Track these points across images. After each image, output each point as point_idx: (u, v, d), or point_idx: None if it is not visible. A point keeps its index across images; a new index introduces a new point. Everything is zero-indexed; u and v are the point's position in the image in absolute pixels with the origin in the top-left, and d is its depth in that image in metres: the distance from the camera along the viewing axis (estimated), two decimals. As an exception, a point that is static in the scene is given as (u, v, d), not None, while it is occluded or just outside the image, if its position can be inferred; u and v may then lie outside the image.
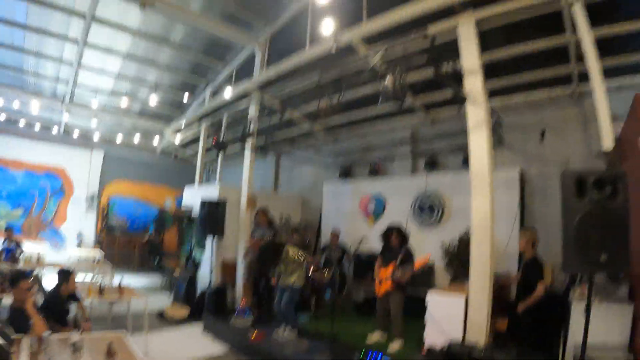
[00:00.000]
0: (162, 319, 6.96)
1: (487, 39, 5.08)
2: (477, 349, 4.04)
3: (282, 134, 8.94)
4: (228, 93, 7.37)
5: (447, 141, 7.23)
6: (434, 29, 5.06)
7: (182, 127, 10.14)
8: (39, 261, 7.35)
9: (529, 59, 5.71)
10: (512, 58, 5.72)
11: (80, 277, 6.24)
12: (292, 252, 5.46)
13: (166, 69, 9.32)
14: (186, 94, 8.31)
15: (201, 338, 6.05)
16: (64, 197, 12.07)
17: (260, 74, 7.53)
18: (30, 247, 8.20)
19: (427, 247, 6.62)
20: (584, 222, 2.70)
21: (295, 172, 10.41)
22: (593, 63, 4.09)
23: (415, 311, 5.09)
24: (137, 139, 11.53)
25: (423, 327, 4.88)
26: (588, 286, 2.90)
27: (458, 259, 6.19)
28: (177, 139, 10.92)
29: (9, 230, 7.97)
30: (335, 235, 7.29)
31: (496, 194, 6.22)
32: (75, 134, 11.44)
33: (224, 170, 9.10)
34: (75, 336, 2.99)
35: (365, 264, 7.13)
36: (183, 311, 7.14)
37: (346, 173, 8.78)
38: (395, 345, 5.10)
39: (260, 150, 7.75)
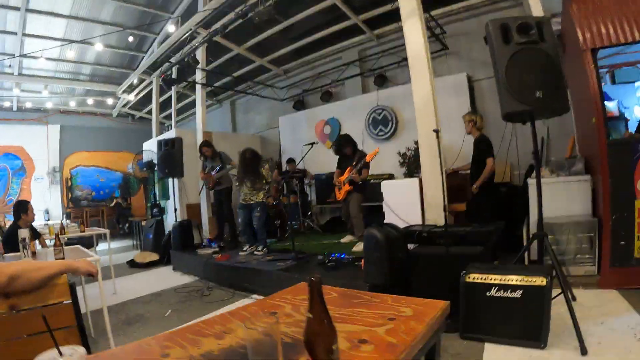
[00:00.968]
0: (133, 266, 6.95)
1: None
2: (436, 226, 4.03)
3: (234, 72, 8.85)
4: (171, 28, 7.21)
5: (394, 57, 7.28)
6: None
7: (135, 82, 9.92)
8: None
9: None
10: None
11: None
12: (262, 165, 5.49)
13: (111, 27, 9.02)
14: (130, 38, 8.05)
15: (171, 275, 6.08)
16: (25, 176, 11.75)
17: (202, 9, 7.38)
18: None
19: (385, 159, 6.74)
20: (513, 65, 2.74)
21: (252, 114, 10.43)
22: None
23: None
24: (91, 103, 11.24)
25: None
26: (532, 130, 2.90)
27: (416, 162, 6.32)
28: (132, 96, 10.68)
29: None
30: (291, 164, 7.40)
31: (447, 99, 6.39)
32: (28, 104, 11.08)
33: (182, 125, 9.01)
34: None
35: (326, 186, 7.25)
36: (153, 256, 7.12)
37: (300, 104, 8.82)
38: (346, 239, 5.23)
39: (214, 94, 7.66)
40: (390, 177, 6.68)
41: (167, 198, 8.45)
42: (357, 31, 7.44)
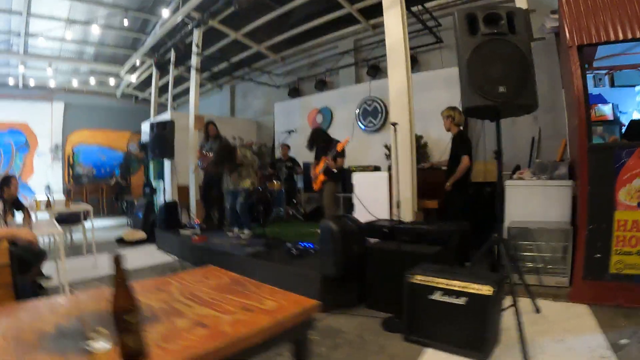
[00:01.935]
0: (121, 244, 7.10)
1: None
2: (401, 222, 4.00)
3: (232, 57, 8.87)
4: (166, 13, 7.24)
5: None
6: None
7: (137, 64, 10.01)
8: None
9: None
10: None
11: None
12: (244, 153, 5.48)
13: (115, 7, 9.07)
14: (125, 20, 8.07)
15: (154, 253, 6.16)
16: (29, 152, 12.03)
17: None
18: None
19: (374, 150, 6.73)
20: (476, 57, 2.60)
21: (249, 99, 10.47)
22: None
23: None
24: (94, 83, 11.39)
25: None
26: (496, 129, 2.81)
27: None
28: (134, 78, 10.79)
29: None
30: (285, 148, 7.41)
31: (438, 92, 6.32)
32: (32, 83, 11.27)
33: (183, 107, 9.07)
34: None
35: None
36: (140, 234, 7.27)
37: (295, 92, 8.82)
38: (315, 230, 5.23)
39: (214, 78, 7.66)
40: (376, 169, 6.67)
41: (162, 179, 8.58)
42: (353, 20, 7.36)
